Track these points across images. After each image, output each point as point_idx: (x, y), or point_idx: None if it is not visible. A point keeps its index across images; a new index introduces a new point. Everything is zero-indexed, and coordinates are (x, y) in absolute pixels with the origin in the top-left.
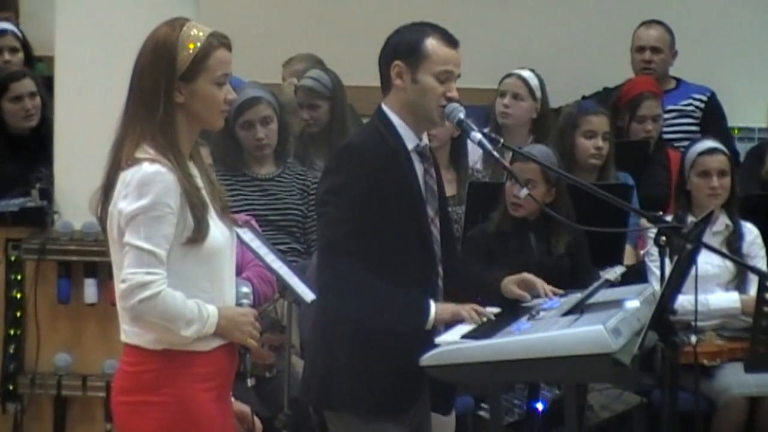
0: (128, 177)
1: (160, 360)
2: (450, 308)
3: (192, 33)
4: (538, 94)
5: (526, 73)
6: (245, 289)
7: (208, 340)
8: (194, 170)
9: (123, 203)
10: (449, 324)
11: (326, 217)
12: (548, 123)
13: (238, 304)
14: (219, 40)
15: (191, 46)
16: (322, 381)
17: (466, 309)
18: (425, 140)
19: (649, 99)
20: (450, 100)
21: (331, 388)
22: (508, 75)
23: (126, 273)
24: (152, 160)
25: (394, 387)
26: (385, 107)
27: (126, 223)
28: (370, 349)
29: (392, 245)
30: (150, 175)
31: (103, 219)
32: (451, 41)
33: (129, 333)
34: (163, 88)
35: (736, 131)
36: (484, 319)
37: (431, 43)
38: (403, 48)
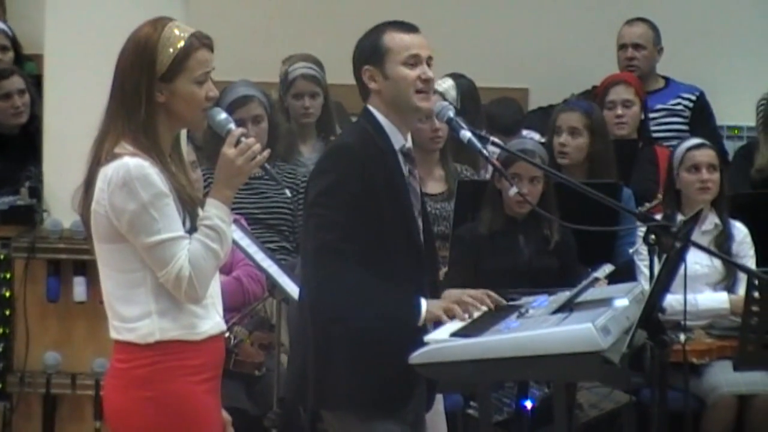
0: (109, 173)
1: (152, 354)
2: (440, 304)
3: (173, 33)
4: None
5: (446, 84)
6: (223, 115)
7: (198, 326)
8: (173, 168)
9: (119, 203)
10: (438, 322)
11: (319, 219)
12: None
13: (227, 131)
14: (200, 41)
15: (172, 47)
16: (318, 381)
17: (456, 303)
18: (409, 142)
19: (617, 84)
20: (426, 82)
21: (327, 388)
22: None
23: (160, 275)
24: (132, 154)
25: (390, 384)
26: (371, 108)
27: (129, 225)
28: (365, 348)
29: (383, 244)
30: (136, 169)
31: (85, 216)
32: (409, 28)
33: (119, 329)
34: (144, 89)
35: (736, 131)
36: (476, 315)
37: (389, 36)
38: (366, 53)
